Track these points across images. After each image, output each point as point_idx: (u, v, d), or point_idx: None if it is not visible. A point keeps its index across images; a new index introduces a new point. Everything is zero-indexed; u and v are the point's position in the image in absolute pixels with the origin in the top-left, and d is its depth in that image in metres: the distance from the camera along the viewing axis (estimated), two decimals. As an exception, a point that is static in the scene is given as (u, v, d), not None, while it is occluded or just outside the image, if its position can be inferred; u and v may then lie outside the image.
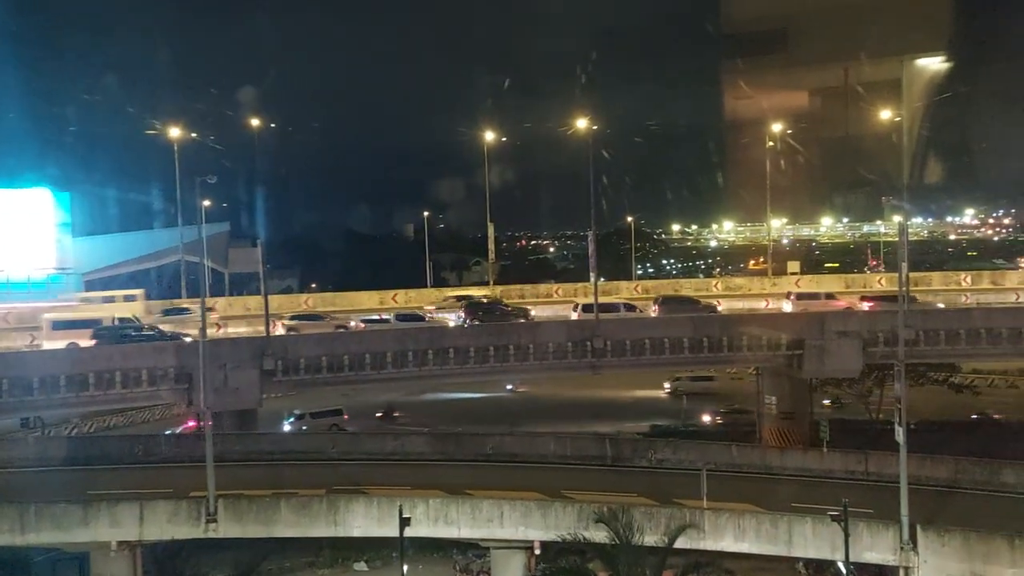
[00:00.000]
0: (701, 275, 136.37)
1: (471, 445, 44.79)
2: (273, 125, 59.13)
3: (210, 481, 34.09)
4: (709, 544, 31.37)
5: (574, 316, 52.02)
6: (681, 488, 36.06)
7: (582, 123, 57.83)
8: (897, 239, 46.97)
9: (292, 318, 51.51)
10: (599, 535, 28.99)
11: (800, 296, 55.93)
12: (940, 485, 37.48)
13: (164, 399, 47.86)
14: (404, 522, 29.21)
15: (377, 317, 52.34)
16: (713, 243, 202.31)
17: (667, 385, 69.67)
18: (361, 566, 38.78)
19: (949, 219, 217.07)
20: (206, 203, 63.19)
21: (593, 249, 53.08)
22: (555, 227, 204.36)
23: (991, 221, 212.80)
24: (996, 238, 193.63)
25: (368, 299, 62.54)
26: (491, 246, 72.03)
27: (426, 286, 73.62)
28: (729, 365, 58.99)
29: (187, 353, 41.51)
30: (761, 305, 58.96)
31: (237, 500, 35.10)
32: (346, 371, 43.38)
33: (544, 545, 34.57)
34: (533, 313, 55.14)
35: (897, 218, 73.22)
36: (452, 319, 52.63)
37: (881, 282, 66.22)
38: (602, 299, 52.49)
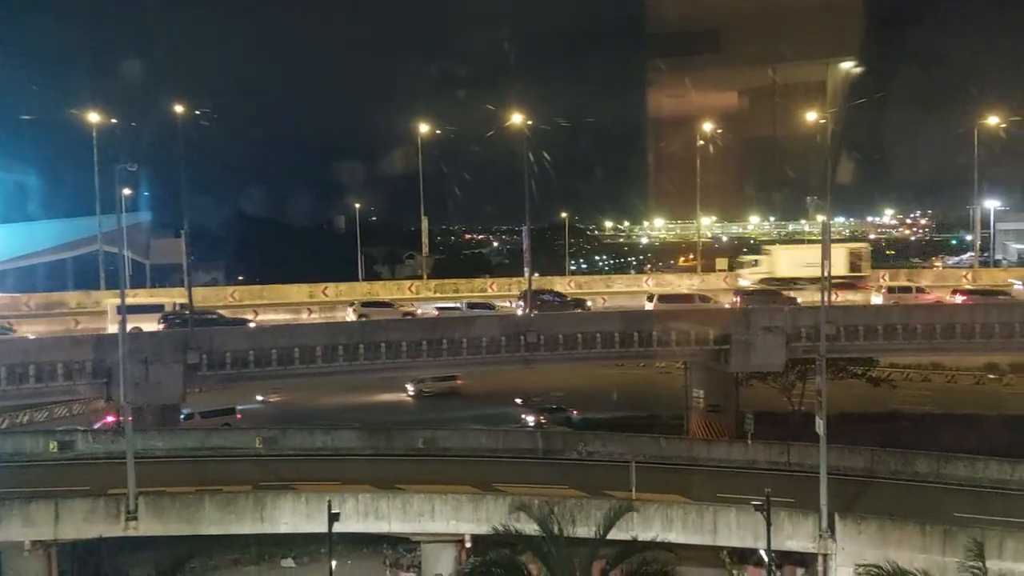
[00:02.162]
0: (633, 271, 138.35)
1: (402, 440, 44.50)
2: (198, 113, 57.11)
3: (130, 477, 33.03)
4: (638, 534, 31.84)
5: (649, 306, 53.13)
6: (611, 480, 36.55)
7: (516, 118, 57.88)
8: (820, 238, 48.45)
9: (364, 304, 53.61)
10: (530, 527, 29.12)
11: (891, 290, 58.01)
12: (858, 475, 38.93)
13: (82, 394, 46.17)
14: (333, 517, 28.78)
15: (450, 305, 55.53)
16: (644, 240, 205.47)
17: (410, 387, 66.95)
18: (288, 562, 38.10)
19: (869, 219, 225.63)
20: (126, 192, 61.03)
21: (528, 244, 53.31)
22: (490, 221, 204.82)
23: (908, 221, 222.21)
24: (913, 238, 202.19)
25: (297, 292, 61.37)
26: (424, 239, 71.56)
27: (358, 279, 72.78)
28: (659, 359, 60.01)
29: (106, 346, 40.03)
30: (848, 297, 59.01)
31: (159, 497, 34.13)
32: (274, 365, 42.51)
33: (475, 538, 34.59)
34: (589, 303, 55.74)
35: (820, 217, 75.67)
36: (519, 309, 54.42)
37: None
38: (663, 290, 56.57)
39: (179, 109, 54.79)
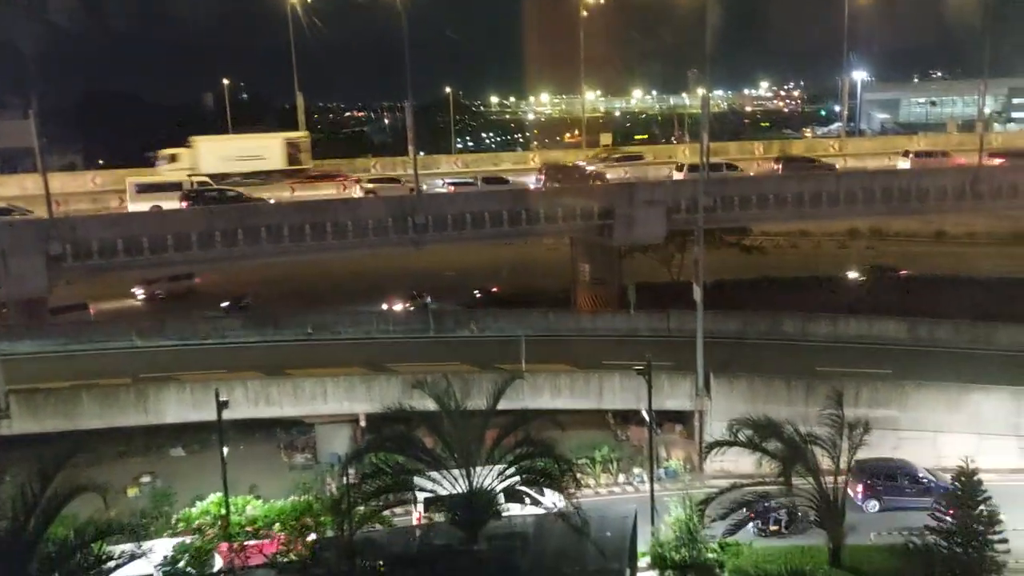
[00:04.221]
0: (520, 148, 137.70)
1: (291, 325, 43.90)
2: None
3: (-3, 376, 31.32)
4: (529, 403, 33.11)
5: (678, 176, 52.07)
6: (503, 354, 37.47)
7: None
8: (700, 111, 49.19)
9: (370, 181, 54.04)
10: (425, 403, 29.68)
11: (918, 154, 58.15)
12: (731, 337, 41.39)
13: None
14: (222, 405, 28.35)
15: (464, 180, 54.45)
16: (531, 116, 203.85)
17: (139, 291, 59.95)
18: (178, 451, 37.64)
19: (746, 91, 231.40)
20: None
21: (411, 122, 51.72)
22: (371, 98, 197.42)
23: (782, 93, 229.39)
24: (786, 109, 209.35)
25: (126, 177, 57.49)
26: (301, 117, 67.95)
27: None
28: (546, 236, 60.74)
29: (-45, 239, 36.88)
30: (882, 163, 60.16)
31: (31, 394, 32.78)
32: (146, 254, 40.32)
33: (369, 417, 35.07)
34: (610, 176, 55.58)
35: (700, 90, 76.65)
36: (532, 183, 53.47)
37: (685, 152, 69.65)
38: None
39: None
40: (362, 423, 36.21)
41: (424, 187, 52.72)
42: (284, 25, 64.01)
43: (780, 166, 57.50)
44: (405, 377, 33.97)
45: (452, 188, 52.39)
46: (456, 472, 25.23)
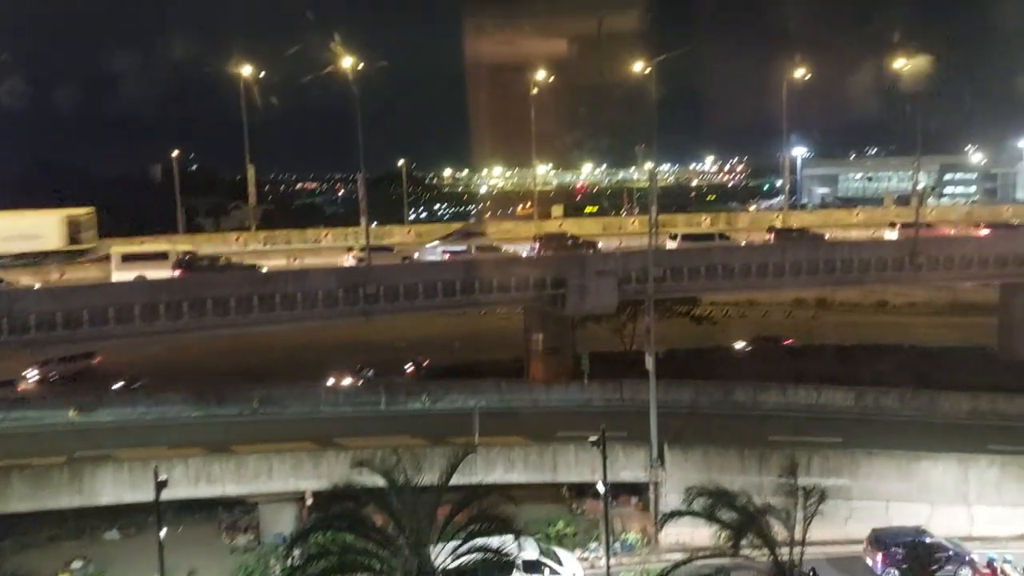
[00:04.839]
0: (473, 219, 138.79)
1: (235, 401, 42.73)
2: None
3: (-82, 458, 29.57)
4: (482, 477, 32.37)
5: (672, 244, 53.28)
6: (456, 427, 36.81)
7: (346, 62, 55.43)
8: (648, 184, 50.33)
9: (361, 249, 52.34)
10: (374, 480, 28.80)
11: (905, 225, 59.41)
12: (684, 407, 41.41)
13: None
14: (160, 485, 27.11)
15: (458, 248, 54.15)
16: (483, 188, 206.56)
17: (32, 373, 53.63)
18: (113, 534, 35.64)
19: (692, 165, 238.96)
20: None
21: (363, 193, 51.72)
22: (323, 170, 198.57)
23: (727, 168, 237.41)
24: (731, 183, 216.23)
25: (106, 247, 56.45)
26: (251, 188, 67.64)
27: (177, 232, 68.34)
28: (499, 306, 60.67)
29: None
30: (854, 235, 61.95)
31: (-44, 477, 30.87)
32: (86, 327, 39.06)
33: (317, 495, 33.86)
34: (601, 244, 56.06)
35: (648, 165, 78.77)
36: (524, 251, 54.52)
37: (635, 224, 70.85)
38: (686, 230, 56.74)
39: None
40: (308, 501, 34.94)
41: (416, 254, 53.31)
42: (236, 97, 64.33)
43: (772, 236, 59.45)
44: (354, 453, 33.00)
45: (447, 255, 52.96)
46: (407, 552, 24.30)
